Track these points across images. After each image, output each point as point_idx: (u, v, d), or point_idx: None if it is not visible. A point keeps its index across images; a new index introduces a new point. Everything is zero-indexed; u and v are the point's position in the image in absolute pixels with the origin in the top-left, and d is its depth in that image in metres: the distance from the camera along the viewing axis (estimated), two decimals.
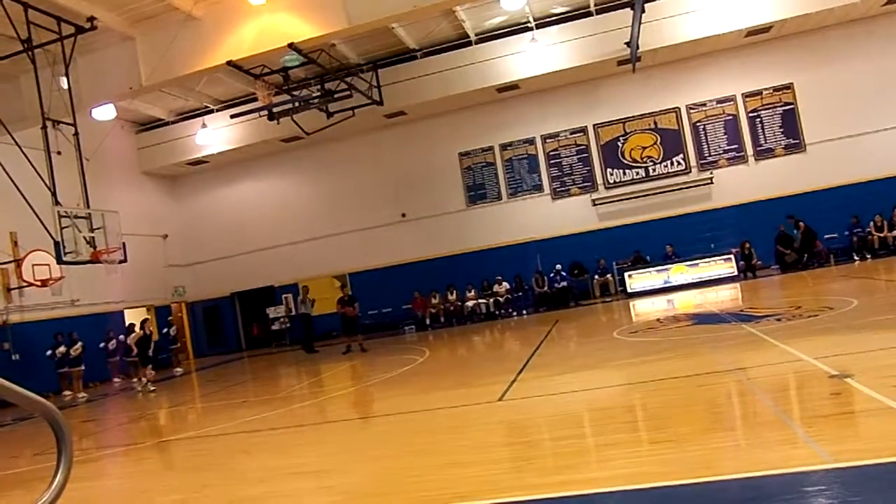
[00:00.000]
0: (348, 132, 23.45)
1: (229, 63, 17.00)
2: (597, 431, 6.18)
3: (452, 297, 22.55)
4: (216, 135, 23.87)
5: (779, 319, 10.59)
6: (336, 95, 20.48)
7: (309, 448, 7.19)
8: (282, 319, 25.08)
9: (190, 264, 26.15)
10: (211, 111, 24.13)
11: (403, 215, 24.24)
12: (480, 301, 22.28)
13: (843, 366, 6.42)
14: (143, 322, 16.38)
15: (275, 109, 20.52)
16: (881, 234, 19.85)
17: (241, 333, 26.54)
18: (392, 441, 6.98)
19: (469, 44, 21.88)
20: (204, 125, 23.63)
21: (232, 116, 22.18)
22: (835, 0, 19.51)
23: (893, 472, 3.83)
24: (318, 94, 20.58)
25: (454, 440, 6.43)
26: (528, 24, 21.25)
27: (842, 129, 21.10)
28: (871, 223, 20.02)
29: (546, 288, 21.95)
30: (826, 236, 20.50)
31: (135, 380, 18.11)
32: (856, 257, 19.89)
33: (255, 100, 20.72)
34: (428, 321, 22.47)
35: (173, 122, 24.73)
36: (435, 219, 23.92)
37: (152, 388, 15.64)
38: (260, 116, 21.50)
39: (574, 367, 9.72)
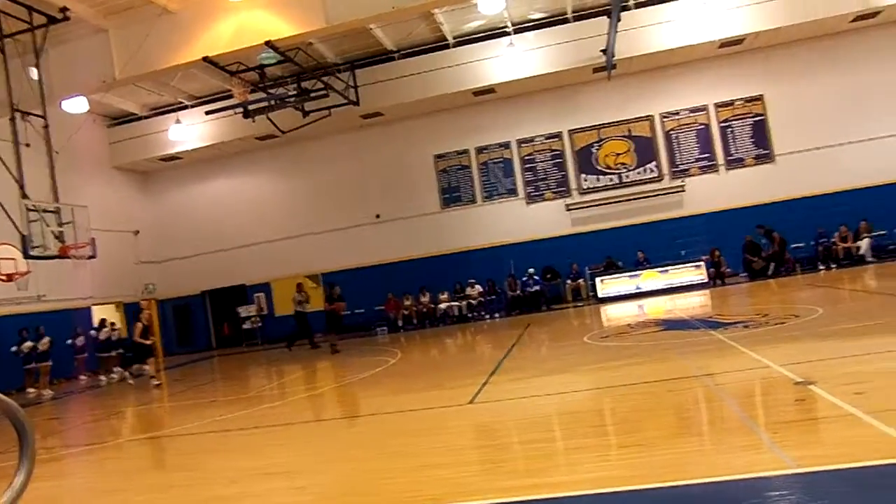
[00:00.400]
0: (324, 132, 23.39)
1: (205, 59, 16.90)
2: (567, 435, 6.25)
3: (425, 299, 22.57)
4: (190, 131, 23.65)
5: (746, 326, 10.77)
6: (312, 94, 20.42)
7: (280, 448, 7.17)
8: (253, 319, 24.90)
9: (161, 261, 25.85)
10: (185, 107, 23.91)
11: (378, 216, 24.22)
12: (453, 303, 22.33)
13: (808, 373, 6.56)
14: (140, 313, 15.65)
15: (250, 107, 20.39)
16: (846, 245, 20.25)
17: (211, 332, 26.30)
18: (364, 442, 6.99)
19: (447, 46, 21.94)
20: (178, 121, 23.40)
21: (207, 113, 21.98)
22: (805, 15, 19.91)
23: (854, 478, 3.94)
24: (295, 92, 20.50)
25: (426, 442, 6.45)
26: (506, 29, 21.37)
27: (810, 141, 21.51)
28: (837, 234, 20.43)
29: (519, 291, 22.06)
30: (793, 245, 20.84)
31: (108, 375, 17.89)
32: (821, 267, 20.25)
33: (231, 97, 20.60)
34: (400, 323, 22.46)
35: (146, 117, 24.45)
36: (409, 220, 23.92)
37: (157, 382, 15.06)
38: (235, 114, 21.35)
39: (545, 371, 9.79)
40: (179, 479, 6.37)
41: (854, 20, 20.49)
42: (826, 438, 4.90)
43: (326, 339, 18.05)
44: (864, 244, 20.06)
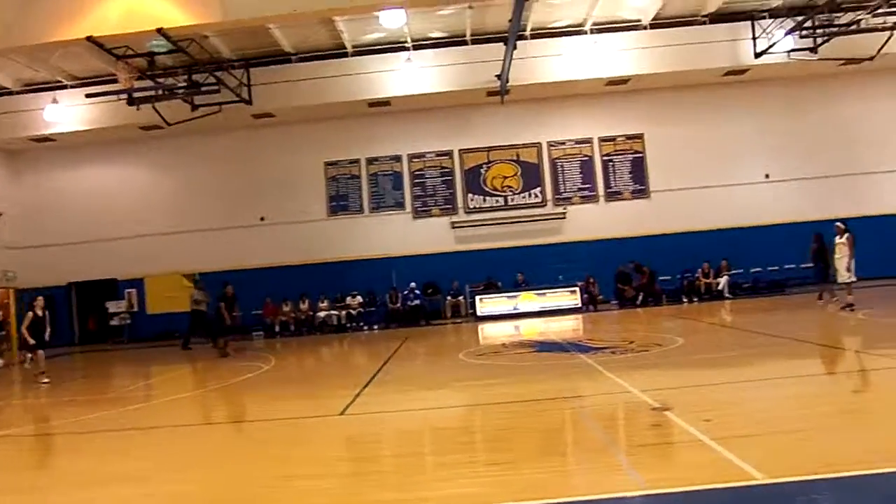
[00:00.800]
0: (213, 128, 22.61)
1: (90, 39, 16.07)
2: (436, 450, 6.36)
3: (304, 306, 22.26)
4: (68, 113, 22.27)
5: (613, 352, 11.30)
6: (203, 88, 19.79)
7: (137, 453, 6.86)
8: (122, 315, 23.69)
9: (25, 248, 24.13)
10: (64, 87, 22.54)
11: (262, 219, 23.72)
12: (332, 312, 22.13)
13: (665, 399, 6.99)
14: (33, 302, 14.17)
15: (136, 94, 19.47)
16: (707, 281, 21.68)
17: (75, 327, 24.78)
18: (225, 450, 6.84)
19: (346, 55, 21.87)
20: (55, 101, 22.01)
21: (87, 96, 20.79)
22: (684, 65, 21.40)
23: (700, 500, 4.25)
24: (185, 84, 19.80)
25: (291, 452, 6.40)
26: (406, 44, 21.57)
27: (682, 181, 22.99)
28: (700, 270, 21.83)
29: (399, 305, 22.16)
30: (661, 278, 22.08)
31: None
32: (685, 299, 21.57)
33: (116, 81, 19.60)
34: (277, 329, 22.04)
35: (19, 93, 22.85)
36: (294, 225, 23.56)
37: (46, 380, 13.09)
38: (119, 100, 20.24)
39: (418, 386, 9.90)
40: (19, 483, 5.99)
41: (725, 75, 22.19)
42: (676, 462, 5.25)
43: (223, 340, 16.98)
44: (723, 281, 21.56)
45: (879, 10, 18.80)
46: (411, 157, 23.81)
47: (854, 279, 15.10)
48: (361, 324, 22.00)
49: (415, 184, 23.73)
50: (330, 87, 21.74)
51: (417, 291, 22.21)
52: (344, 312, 22.14)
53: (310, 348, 17.89)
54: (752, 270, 22.40)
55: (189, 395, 11.28)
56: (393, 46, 21.75)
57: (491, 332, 18.04)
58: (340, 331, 21.66)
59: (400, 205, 23.75)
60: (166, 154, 24.16)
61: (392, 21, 19.05)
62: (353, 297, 22.31)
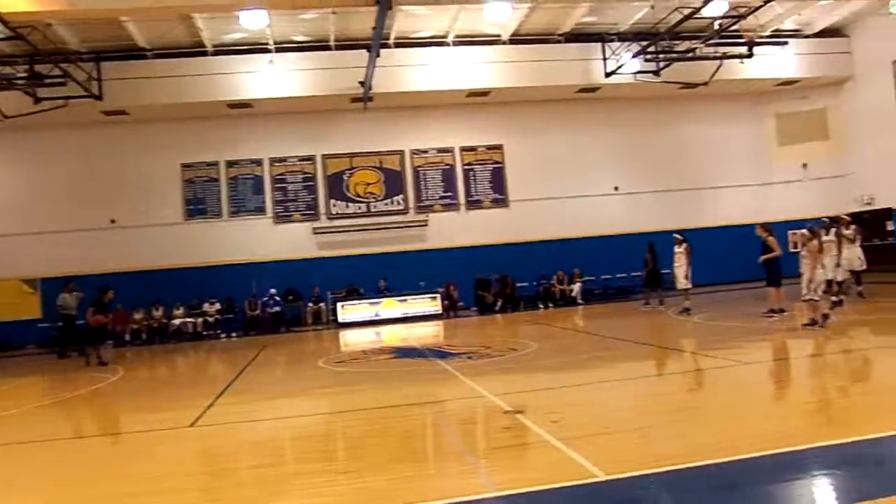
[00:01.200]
0: (58, 123, 21.00)
1: None
2: (291, 460, 6.32)
3: (158, 313, 21.23)
4: None
5: (470, 357, 11.62)
6: (47, 80, 18.46)
7: None
8: None
9: None
10: None
11: (113, 221, 22.38)
12: (188, 320, 21.25)
13: (517, 402, 7.29)
14: None
15: None
16: (562, 287, 22.69)
17: None
18: (62, 467, 6.43)
19: (205, 54, 21.13)
20: None
21: None
22: (540, 80, 22.32)
23: (544, 500, 4.48)
24: (26, 74, 18.41)
25: (133, 468, 6.13)
26: (268, 46, 21.14)
27: (539, 191, 23.93)
28: (555, 277, 22.81)
29: (258, 312, 21.62)
30: (519, 284, 22.85)
31: None
32: (541, 305, 22.44)
33: None
34: (128, 337, 20.86)
35: None
36: (147, 229, 22.38)
37: None
38: None
39: (275, 395, 9.75)
40: None
41: (579, 91, 23.32)
42: (525, 464, 5.50)
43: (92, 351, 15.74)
44: (576, 288, 22.63)
45: (711, 41, 20.55)
46: (273, 161, 23.31)
47: (690, 286, 16.33)
48: (219, 331, 21.25)
49: (276, 188, 23.26)
50: (188, 86, 20.89)
51: (278, 298, 21.76)
52: (200, 320, 21.31)
53: (162, 357, 17.13)
54: (603, 277, 23.65)
55: (22, 411, 10.45)
56: (255, 48, 21.23)
57: (352, 339, 18.01)
58: (197, 339, 20.83)
59: (261, 209, 23.18)
60: (5, 150, 22.28)
61: (253, 22, 18.62)
62: (211, 304, 21.53)
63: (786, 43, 23.24)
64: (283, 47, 21.35)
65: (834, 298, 14.10)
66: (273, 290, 21.66)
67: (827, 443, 5.21)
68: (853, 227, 15.74)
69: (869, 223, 24.02)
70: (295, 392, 9.91)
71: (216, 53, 21.18)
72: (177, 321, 21.14)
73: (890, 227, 23.04)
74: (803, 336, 11.01)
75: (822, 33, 23.98)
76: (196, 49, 21.01)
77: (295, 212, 23.24)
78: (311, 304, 22.38)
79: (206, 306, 21.45)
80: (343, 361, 12.99)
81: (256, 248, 22.60)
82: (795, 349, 10.32)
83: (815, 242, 11.70)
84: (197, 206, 22.88)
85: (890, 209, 22.95)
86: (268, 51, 21.14)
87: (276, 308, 21.54)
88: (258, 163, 23.23)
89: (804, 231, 12.00)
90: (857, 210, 23.84)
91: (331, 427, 7.57)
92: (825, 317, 11.47)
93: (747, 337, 11.89)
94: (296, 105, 22.16)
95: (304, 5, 17.68)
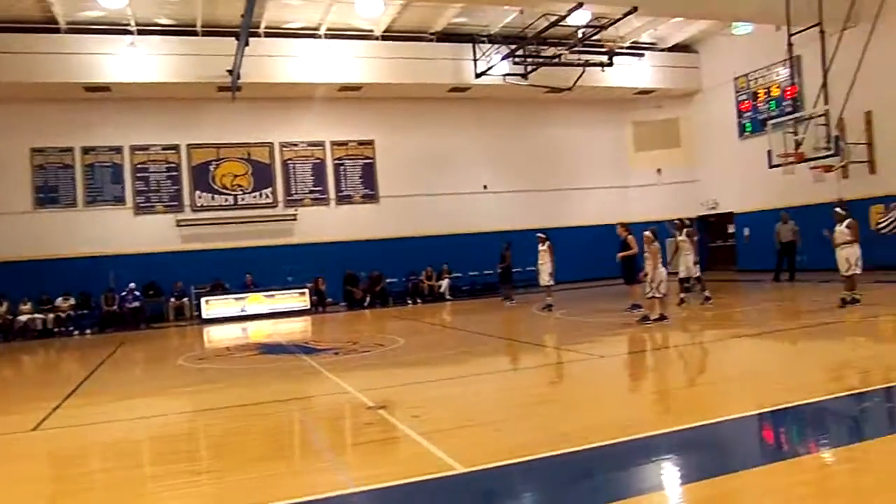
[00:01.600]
0: None
1: None
2: (148, 462, 6.13)
3: (2, 308, 19.72)
4: None
5: (336, 353, 11.64)
6: None
7: None
8: None
9: None
10: None
11: None
12: (37, 316, 19.86)
13: (381, 398, 7.40)
14: None
15: None
16: (430, 283, 23.03)
17: None
18: None
19: (58, 31, 19.79)
20: None
21: None
22: (412, 77, 22.56)
23: (405, 493, 4.59)
24: None
25: None
26: (129, 28, 20.11)
27: (409, 188, 24.18)
28: (424, 273, 23.13)
29: (116, 307, 20.54)
30: (388, 280, 22.98)
31: None
32: (409, 301, 22.67)
33: None
34: None
35: None
36: None
37: None
38: None
39: (131, 394, 9.35)
40: None
41: (450, 90, 23.72)
42: (386, 459, 5.58)
43: None
44: (444, 284, 23.04)
45: (575, 48, 21.55)
46: (134, 148, 22.18)
47: (553, 283, 17.04)
48: (72, 328, 20.02)
49: (137, 178, 22.16)
50: (38, 65, 19.43)
51: (137, 293, 20.78)
52: (51, 316, 19.97)
53: (5, 357, 15.99)
54: (471, 274, 24.22)
55: None
56: (115, 29, 20.10)
57: (216, 336, 17.52)
58: (47, 336, 19.50)
59: (120, 199, 22.00)
60: None
61: (111, 0, 17.66)
62: (65, 299, 20.23)
63: (642, 55, 24.76)
64: (146, 30, 20.39)
65: (682, 295, 15.19)
66: (132, 285, 20.68)
67: (670, 429, 5.61)
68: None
69: (714, 226, 26.03)
70: (152, 391, 9.56)
71: (71, 31, 19.88)
72: (24, 317, 19.74)
73: (731, 229, 24.99)
74: (655, 330, 11.76)
75: (675, 48, 25.68)
76: (48, 25, 19.64)
77: (157, 203, 22.27)
78: (173, 300, 21.56)
79: (58, 301, 20.15)
80: (206, 358, 12.65)
81: (115, 240, 21.46)
82: (646, 343, 11.03)
83: (656, 244, 12.53)
84: (48, 195, 21.42)
85: (732, 213, 24.88)
86: (129, 33, 20.10)
87: (136, 303, 20.60)
88: (118, 150, 22.05)
89: (647, 232, 12.79)
90: (704, 213, 25.76)
91: (191, 426, 7.39)
92: (661, 317, 12.25)
93: (603, 332, 12.59)
94: (159, 91, 21.19)
95: None
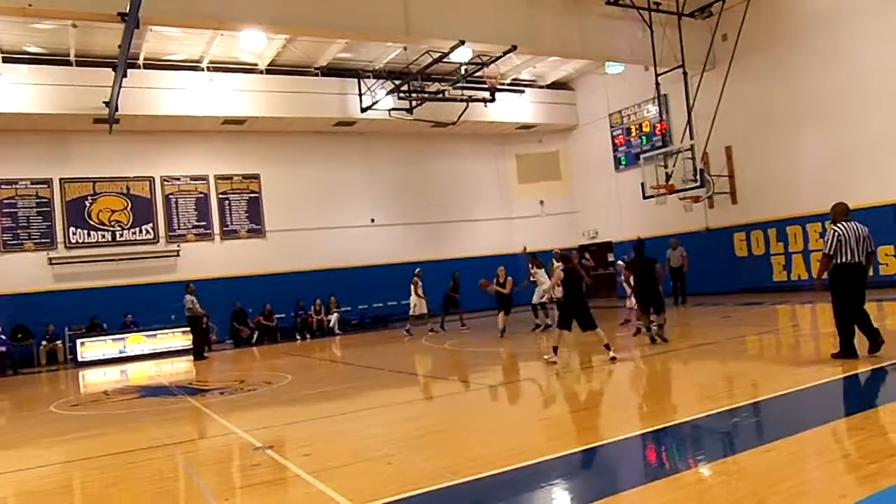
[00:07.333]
0: None
1: None
2: None
3: None
4: None
5: (222, 393, 11.36)
6: None
7: None
8: None
9: None
10: None
11: None
12: None
13: (269, 437, 7.30)
14: None
15: None
16: (319, 317, 22.83)
17: None
18: None
19: None
20: None
21: None
22: (297, 111, 22.55)
23: None
24: None
25: None
26: None
27: (296, 222, 24.01)
28: (313, 307, 22.89)
29: None
30: (277, 316, 22.58)
31: None
32: (298, 336, 22.35)
33: None
34: None
35: None
36: None
37: None
38: None
39: None
40: None
41: (336, 125, 23.86)
42: (273, 500, 5.52)
43: None
44: (333, 318, 22.89)
45: (458, 84, 22.21)
46: (0, 183, 20.97)
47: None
48: None
49: (4, 213, 20.89)
50: None
51: (3, 337, 19.47)
52: None
53: None
54: (360, 307, 24.19)
55: None
56: None
57: (93, 379, 16.66)
58: None
59: None
60: None
61: None
62: None
63: (523, 91, 25.77)
64: (13, 58, 19.40)
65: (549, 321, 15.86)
66: None
67: (559, 454, 5.79)
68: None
69: (595, 255, 27.14)
70: (18, 442, 8.96)
71: None
72: None
73: (611, 258, 26.16)
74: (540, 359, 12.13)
75: (553, 85, 26.89)
76: None
77: (27, 240, 21.06)
78: (44, 343, 20.35)
79: None
80: (80, 404, 12.01)
81: None
82: (533, 371, 11.36)
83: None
84: None
85: (611, 242, 26.07)
86: None
87: (2, 348, 19.28)
88: None
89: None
90: (586, 242, 26.84)
91: (64, 478, 7.00)
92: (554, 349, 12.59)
93: (494, 362, 12.87)
94: (29, 122, 20.18)
95: (37, 14, 16.19)
